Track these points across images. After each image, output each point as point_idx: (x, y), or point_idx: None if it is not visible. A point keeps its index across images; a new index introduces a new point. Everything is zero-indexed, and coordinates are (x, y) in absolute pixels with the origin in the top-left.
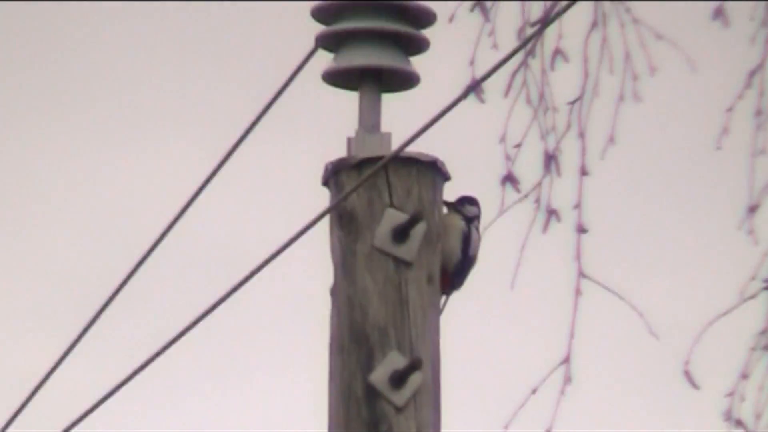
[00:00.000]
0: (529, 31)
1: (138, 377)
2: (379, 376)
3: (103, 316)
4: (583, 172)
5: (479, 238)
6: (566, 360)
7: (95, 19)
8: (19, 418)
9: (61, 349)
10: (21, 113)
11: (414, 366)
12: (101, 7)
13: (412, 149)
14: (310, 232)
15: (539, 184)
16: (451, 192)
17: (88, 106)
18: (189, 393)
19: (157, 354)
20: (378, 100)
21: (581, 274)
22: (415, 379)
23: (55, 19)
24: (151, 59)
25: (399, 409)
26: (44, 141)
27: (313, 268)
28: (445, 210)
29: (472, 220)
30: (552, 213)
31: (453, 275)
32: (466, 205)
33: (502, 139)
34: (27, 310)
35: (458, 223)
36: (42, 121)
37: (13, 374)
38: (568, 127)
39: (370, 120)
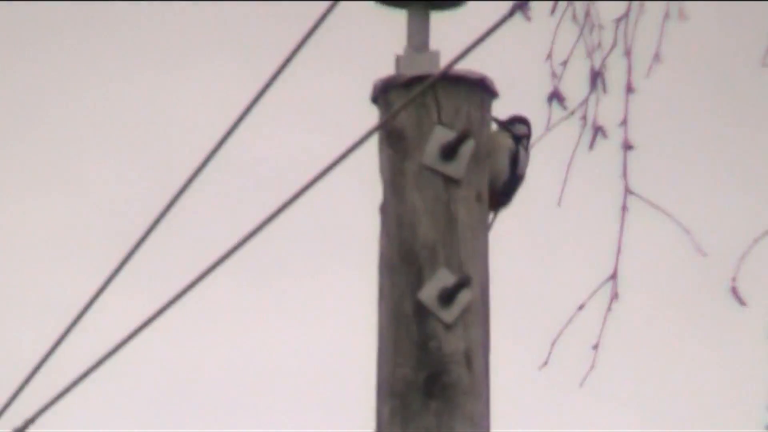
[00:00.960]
0: None
1: (181, 302)
2: (429, 293)
3: (149, 238)
4: (629, 89)
5: (527, 157)
6: (613, 276)
7: None
8: (61, 346)
9: (107, 272)
10: (63, 34)
11: (463, 283)
12: None
13: (460, 67)
14: (359, 149)
15: (585, 101)
16: (498, 110)
17: (132, 27)
18: (233, 319)
19: (202, 276)
20: (426, 18)
21: (628, 191)
22: (464, 297)
23: None
24: None
25: (448, 327)
26: (88, 64)
27: (362, 186)
28: (494, 126)
29: (520, 138)
30: (598, 130)
31: (501, 193)
32: (515, 124)
33: (549, 57)
34: (68, 238)
35: (507, 141)
36: (85, 43)
37: (54, 303)
38: (614, 44)
39: (418, 38)
